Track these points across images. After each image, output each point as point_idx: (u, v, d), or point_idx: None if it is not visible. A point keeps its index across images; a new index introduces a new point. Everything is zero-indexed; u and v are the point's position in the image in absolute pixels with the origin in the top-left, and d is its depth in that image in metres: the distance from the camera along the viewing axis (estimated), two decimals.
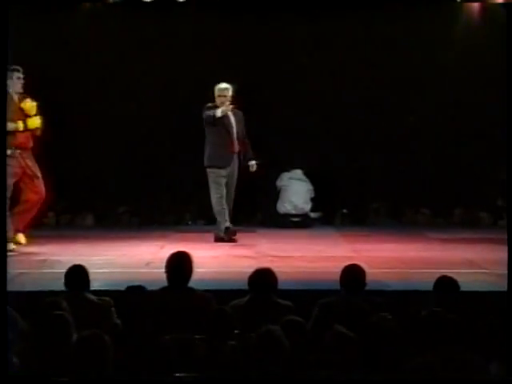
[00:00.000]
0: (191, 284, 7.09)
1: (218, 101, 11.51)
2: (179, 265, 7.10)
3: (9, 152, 10.41)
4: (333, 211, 14.00)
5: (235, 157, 11.62)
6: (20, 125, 10.88)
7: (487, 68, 13.39)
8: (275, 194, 13.58)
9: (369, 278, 7.14)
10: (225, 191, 11.49)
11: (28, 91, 11.08)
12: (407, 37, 13.70)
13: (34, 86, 11.11)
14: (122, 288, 7.06)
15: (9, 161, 10.11)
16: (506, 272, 8.65)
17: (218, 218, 11.51)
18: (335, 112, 13.78)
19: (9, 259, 9.90)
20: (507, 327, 5.33)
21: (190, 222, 13.91)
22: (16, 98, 10.99)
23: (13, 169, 10.66)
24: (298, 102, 13.78)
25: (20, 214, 10.97)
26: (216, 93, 11.56)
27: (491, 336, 6.33)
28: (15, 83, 10.97)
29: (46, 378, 4.84)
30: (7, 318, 5.23)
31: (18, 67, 10.98)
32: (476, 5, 13.89)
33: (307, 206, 13.55)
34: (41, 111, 11.05)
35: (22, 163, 10.93)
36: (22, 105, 10.98)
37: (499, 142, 13.31)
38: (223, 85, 11.57)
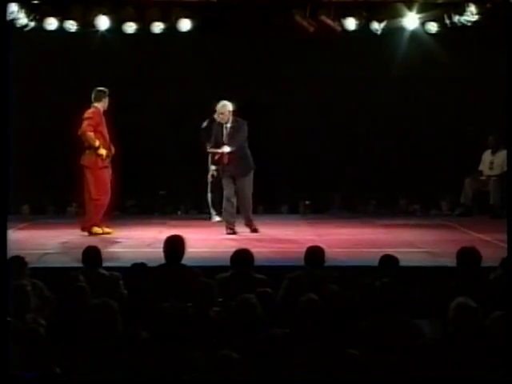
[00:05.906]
0: (186, 262, 7.04)
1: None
2: (174, 246, 7.04)
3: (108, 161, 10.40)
4: (297, 202, 13.96)
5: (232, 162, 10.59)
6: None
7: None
8: None
9: (327, 256, 7.13)
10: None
11: None
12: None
13: None
14: (129, 264, 7.00)
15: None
16: (437, 250, 8.71)
17: None
18: (298, 119, 13.36)
19: (36, 240, 9.90)
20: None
21: (179, 212, 13.74)
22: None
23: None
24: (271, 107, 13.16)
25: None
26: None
27: (424, 300, 6.36)
28: (106, 102, 10.39)
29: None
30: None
31: (106, 89, 10.42)
32: None
33: None
34: None
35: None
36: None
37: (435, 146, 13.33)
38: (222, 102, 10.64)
